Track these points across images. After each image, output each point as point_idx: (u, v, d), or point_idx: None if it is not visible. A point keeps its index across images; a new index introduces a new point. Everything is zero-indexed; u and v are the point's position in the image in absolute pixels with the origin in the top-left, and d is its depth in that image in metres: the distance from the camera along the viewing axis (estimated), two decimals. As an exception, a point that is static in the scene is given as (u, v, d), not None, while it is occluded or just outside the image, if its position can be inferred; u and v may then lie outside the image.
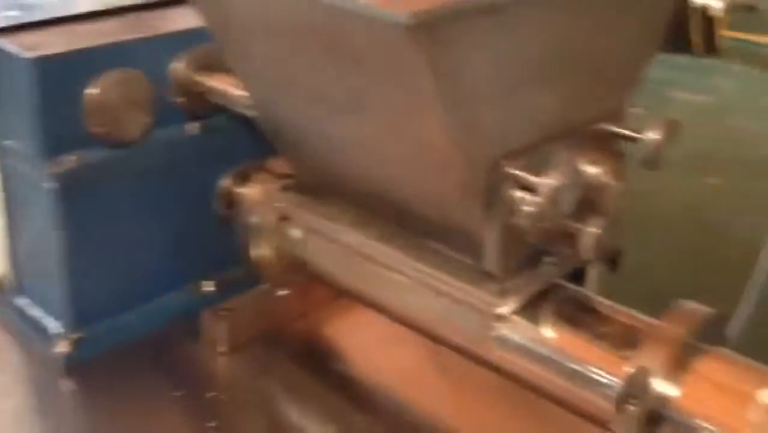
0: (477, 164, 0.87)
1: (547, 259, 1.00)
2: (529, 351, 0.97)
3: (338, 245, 1.11)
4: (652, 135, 0.95)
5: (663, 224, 3.23)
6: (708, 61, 4.76)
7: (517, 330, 0.98)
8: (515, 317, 0.98)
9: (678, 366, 0.88)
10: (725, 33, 4.93)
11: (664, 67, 4.87)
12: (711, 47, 4.79)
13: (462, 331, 1.01)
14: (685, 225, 3.03)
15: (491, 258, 0.93)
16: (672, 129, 0.95)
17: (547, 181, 0.86)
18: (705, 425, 0.85)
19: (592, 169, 0.96)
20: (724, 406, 0.86)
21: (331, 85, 0.91)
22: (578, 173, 0.94)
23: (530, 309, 0.98)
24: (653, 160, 0.95)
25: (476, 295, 0.97)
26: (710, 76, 4.61)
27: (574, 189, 0.90)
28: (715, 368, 0.89)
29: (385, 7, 0.74)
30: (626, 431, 0.88)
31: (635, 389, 0.88)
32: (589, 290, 1.37)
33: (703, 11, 4.77)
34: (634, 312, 0.98)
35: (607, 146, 0.99)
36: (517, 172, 0.88)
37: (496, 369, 1.01)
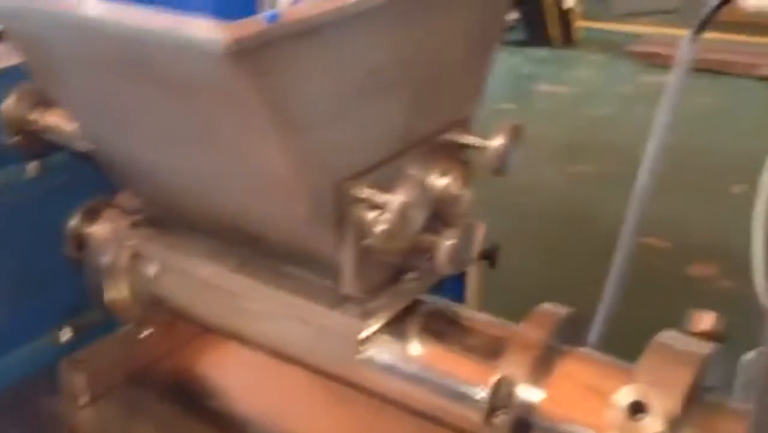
0: (322, 188, 0.85)
1: (408, 275, 0.99)
2: (397, 370, 0.95)
3: (195, 278, 1.07)
4: (497, 142, 0.95)
5: (536, 216, 3.29)
6: (568, 53, 4.91)
7: (383, 350, 0.96)
8: (380, 338, 0.96)
9: (541, 371, 0.88)
10: (581, 24, 5.09)
11: (528, 61, 5.00)
12: (568, 39, 4.95)
13: (329, 356, 0.98)
14: (555, 216, 3.10)
15: (348, 281, 0.91)
16: (515, 133, 0.96)
17: (395, 199, 0.84)
18: (570, 429, 0.85)
19: (441, 181, 0.95)
20: (588, 407, 0.86)
21: (161, 117, 0.87)
22: (427, 186, 0.93)
23: (395, 328, 0.97)
24: (499, 166, 0.95)
25: (338, 319, 0.95)
26: (570, 67, 4.76)
27: (424, 203, 0.89)
28: (577, 370, 0.89)
29: (203, 32, 0.71)
30: (497, 441, 0.88)
31: (501, 399, 0.88)
32: (470, 289, 1.37)
33: (558, 5, 4.93)
34: (497, 320, 0.98)
35: (455, 156, 0.98)
36: (363, 192, 0.86)
37: (370, 392, 0.99)
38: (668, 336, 0.85)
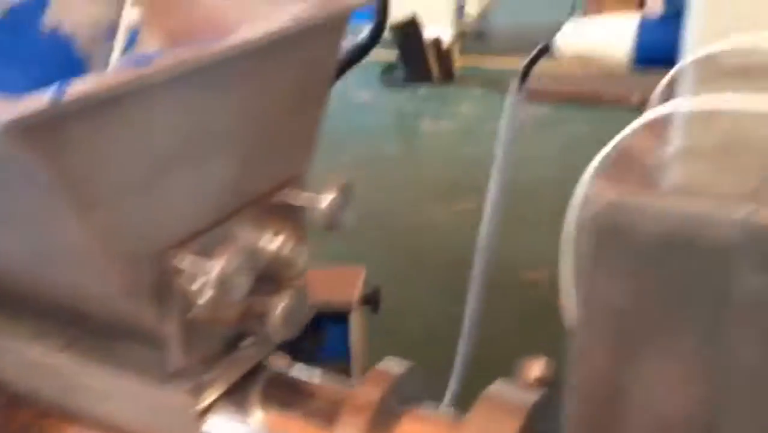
0: (138, 260, 0.81)
1: (245, 341, 0.96)
2: (236, 442, 0.92)
3: (21, 360, 1.01)
4: (327, 199, 0.93)
5: (424, 256, 3.30)
6: (448, 89, 5.00)
7: (222, 421, 0.92)
8: (220, 409, 0.92)
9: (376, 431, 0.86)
10: (460, 61, 5.21)
11: (412, 98, 5.07)
12: (448, 75, 5.04)
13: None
14: (442, 255, 3.11)
15: (176, 355, 0.87)
16: (345, 191, 0.95)
17: (215, 267, 0.81)
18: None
19: (273, 243, 0.93)
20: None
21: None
22: (258, 250, 0.91)
23: (233, 398, 0.93)
24: (331, 223, 0.94)
25: (171, 394, 0.90)
26: (451, 103, 4.85)
27: (253, 267, 0.86)
28: (411, 429, 0.88)
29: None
30: None
31: (340, 464, 0.86)
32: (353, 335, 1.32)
33: (437, 43, 5.03)
34: (338, 380, 0.96)
35: (287, 216, 0.96)
36: (185, 262, 0.83)
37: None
38: (498, 387, 0.84)
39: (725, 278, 0.63)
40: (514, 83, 1.44)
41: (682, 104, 0.81)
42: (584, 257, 0.67)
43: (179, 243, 0.85)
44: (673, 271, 0.65)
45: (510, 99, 1.45)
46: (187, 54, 0.77)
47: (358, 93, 5.03)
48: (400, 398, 0.91)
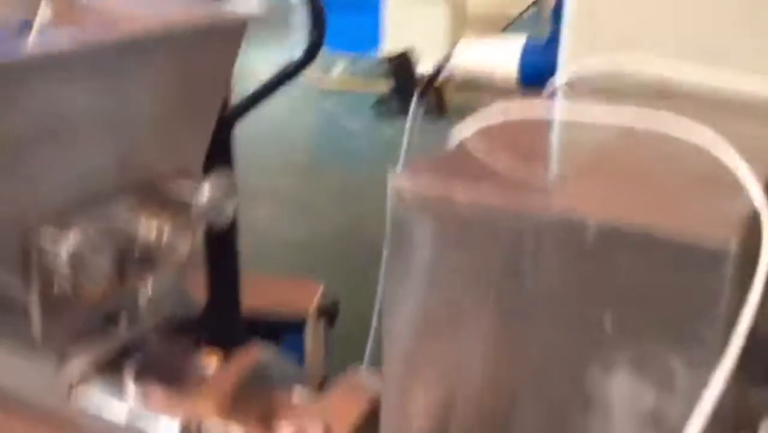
0: (5, 235, 0.87)
1: (121, 320, 1.01)
2: (104, 413, 0.96)
3: None
4: (205, 195, 0.99)
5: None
6: (440, 123, 5.06)
7: (94, 397, 0.97)
8: (91, 383, 0.97)
9: (230, 409, 0.91)
10: (455, 96, 5.27)
11: (402, 130, 5.15)
12: (441, 110, 5.11)
13: (40, 402, 0.99)
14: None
15: (38, 326, 0.92)
16: (227, 183, 1.00)
17: (68, 246, 0.87)
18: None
19: (148, 228, 0.98)
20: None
21: None
22: (123, 233, 0.96)
23: (107, 373, 0.98)
24: (210, 216, 0.99)
25: (41, 364, 0.96)
26: (441, 136, 4.90)
27: (113, 249, 0.92)
28: (263, 403, 0.92)
29: None
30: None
31: (191, 436, 0.90)
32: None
33: (431, 79, 5.10)
34: (205, 357, 1.00)
35: (168, 204, 1.01)
36: (47, 240, 0.88)
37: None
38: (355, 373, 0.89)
39: (520, 263, 0.67)
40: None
41: (510, 111, 0.86)
42: (392, 243, 0.72)
43: (42, 221, 0.89)
44: (472, 256, 0.69)
45: (410, 116, 1.51)
46: (52, 43, 0.83)
47: (351, 122, 5.13)
48: (261, 380, 0.95)
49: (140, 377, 0.99)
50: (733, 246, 0.54)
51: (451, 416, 0.71)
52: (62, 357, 0.95)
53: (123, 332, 1.00)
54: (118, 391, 0.97)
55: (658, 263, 0.57)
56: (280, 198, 4.13)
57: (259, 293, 1.96)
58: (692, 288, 0.56)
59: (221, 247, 1.66)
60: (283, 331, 2.24)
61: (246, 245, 1.74)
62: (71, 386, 0.96)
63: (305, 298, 2.34)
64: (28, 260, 0.88)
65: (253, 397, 0.93)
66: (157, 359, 1.02)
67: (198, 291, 1.76)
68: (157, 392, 0.97)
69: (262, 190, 3.95)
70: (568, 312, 0.63)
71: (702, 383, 0.56)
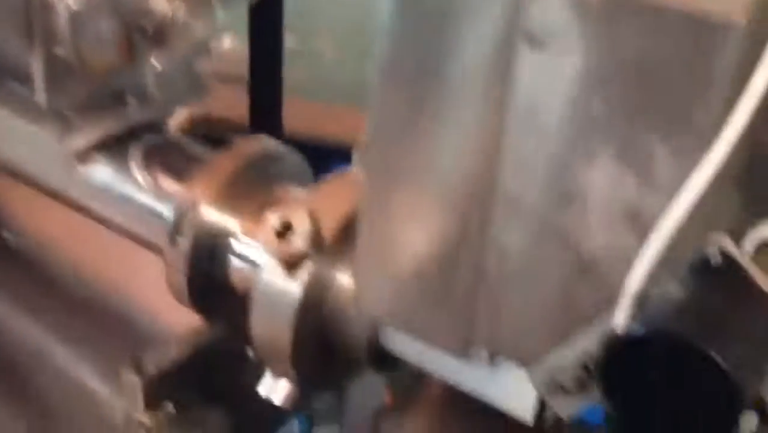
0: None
1: (130, 100, 0.99)
2: (106, 188, 0.96)
3: None
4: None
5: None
6: None
7: (98, 172, 0.97)
8: (96, 160, 0.97)
9: (226, 197, 0.89)
10: None
11: None
12: None
13: (41, 170, 0.99)
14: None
15: (40, 89, 0.90)
16: None
17: (66, 5, 0.83)
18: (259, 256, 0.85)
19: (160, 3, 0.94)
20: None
21: None
22: (137, 5, 0.92)
23: (112, 152, 0.97)
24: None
25: (44, 133, 0.95)
26: None
27: (117, 16, 0.88)
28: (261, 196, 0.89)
29: None
30: (177, 264, 0.89)
31: (185, 220, 0.89)
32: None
33: None
34: (209, 149, 0.97)
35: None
36: (53, -3, 0.85)
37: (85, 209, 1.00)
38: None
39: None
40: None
41: None
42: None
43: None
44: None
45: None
46: None
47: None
48: (268, 173, 0.92)
49: (145, 158, 0.97)
50: (742, 21, 0.47)
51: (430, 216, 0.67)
52: (67, 127, 0.94)
53: (132, 112, 0.98)
54: (123, 169, 0.96)
55: (661, 36, 0.50)
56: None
57: (306, 119, 1.92)
58: (692, 66, 0.49)
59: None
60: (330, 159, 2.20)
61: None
62: (75, 158, 0.95)
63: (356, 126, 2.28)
64: (31, 15, 0.86)
65: (251, 188, 0.90)
66: (165, 143, 1.00)
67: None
68: (160, 175, 0.96)
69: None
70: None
71: (686, 176, 0.50)
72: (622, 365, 0.48)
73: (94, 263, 1.15)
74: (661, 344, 0.45)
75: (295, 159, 0.96)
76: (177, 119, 1.08)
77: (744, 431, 0.75)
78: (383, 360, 0.83)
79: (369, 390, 1.01)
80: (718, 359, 0.43)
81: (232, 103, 1.70)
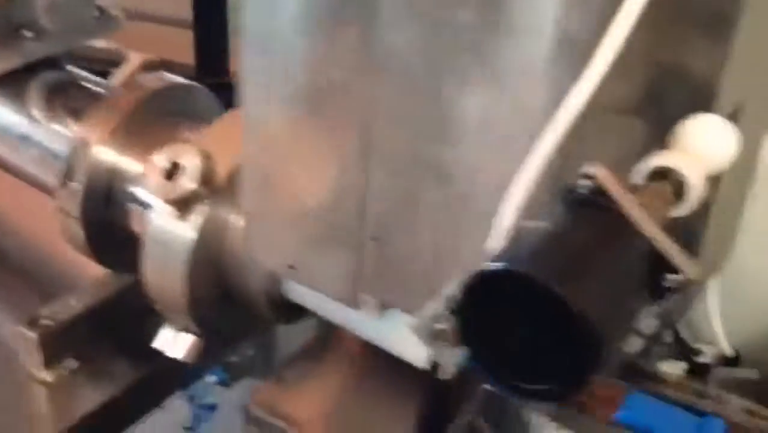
0: None
1: (27, 33, 0.92)
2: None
3: None
4: None
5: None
6: None
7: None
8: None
9: (126, 135, 0.82)
10: None
11: None
12: None
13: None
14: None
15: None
16: None
17: None
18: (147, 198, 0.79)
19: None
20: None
21: None
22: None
23: (12, 86, 0.91)
24: None
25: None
26: None
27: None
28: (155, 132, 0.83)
29: None
30: (69, 208, 0.83)
31: (77, 160, 0.82)
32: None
33: None
34: (112, 88, 0.91)
35: None
36: None
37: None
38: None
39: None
40: None
41: None
42: None
43: None
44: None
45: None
46: None
47: None
48: (170, 111, 0.86)
49: (44, 94, 0.91)
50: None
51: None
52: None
53: (30, 47, 0.91)
54: (20, 103, 0.90)
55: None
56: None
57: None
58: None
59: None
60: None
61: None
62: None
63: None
64: None
65: (149, 127, 0.84)
66: (66, 80, 0.93)
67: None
68: (57, 111, 0.89)
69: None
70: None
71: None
72: (481, 302, 0.42)
73: (7, 214, 1.09)
74: (518, 283, 0.39)
75: (204, 98, 0.89)
76: (128, 66, 1.01)
77: (670, 378, 0.71)
78: (287, 310, 0.77)
79: (299, 341, 0.96)
80: (570, 300, 0.37)
81: (179, 46, 1.63)
